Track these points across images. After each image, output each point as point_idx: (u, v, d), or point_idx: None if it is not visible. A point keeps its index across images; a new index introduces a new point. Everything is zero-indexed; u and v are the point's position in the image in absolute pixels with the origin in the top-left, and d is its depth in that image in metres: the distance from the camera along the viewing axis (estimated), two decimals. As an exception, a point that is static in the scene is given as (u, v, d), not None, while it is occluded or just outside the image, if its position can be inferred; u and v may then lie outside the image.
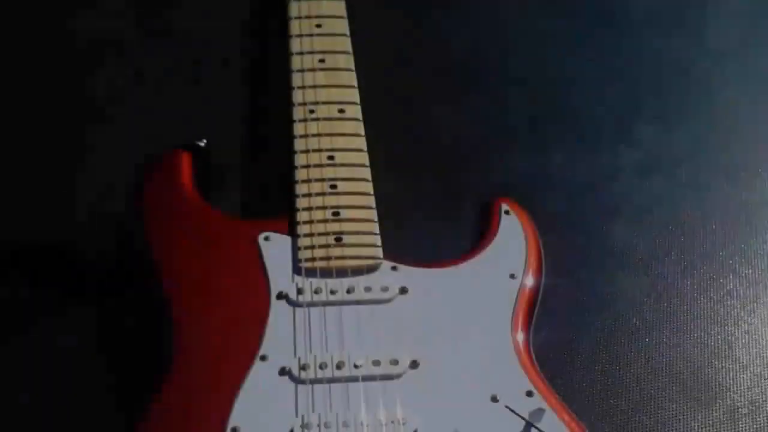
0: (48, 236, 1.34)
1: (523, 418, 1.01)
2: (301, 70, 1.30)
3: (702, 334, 1.30)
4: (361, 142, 1.26)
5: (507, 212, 1.23)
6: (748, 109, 1.60)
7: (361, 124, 1.27)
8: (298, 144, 1.25)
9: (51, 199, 1.40)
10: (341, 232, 1.16)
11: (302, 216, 1.18)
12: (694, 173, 1.51)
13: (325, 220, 1.17)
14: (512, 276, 1.16)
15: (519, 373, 1.06)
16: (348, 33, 1.34)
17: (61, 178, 1.43)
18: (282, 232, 1.17)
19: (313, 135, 1.25)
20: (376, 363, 1.05)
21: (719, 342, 1.29)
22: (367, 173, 1.23)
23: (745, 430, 1.20)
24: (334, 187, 1.21)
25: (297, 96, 1.29)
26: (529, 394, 1.04)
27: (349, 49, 1.33)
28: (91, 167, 1.44)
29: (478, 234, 1.22)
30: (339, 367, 1.04)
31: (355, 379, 1.04)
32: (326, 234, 1.16)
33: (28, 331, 1.25)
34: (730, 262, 1.39)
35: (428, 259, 1.18)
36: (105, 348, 1.23)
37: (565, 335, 1.28)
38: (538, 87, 1.60)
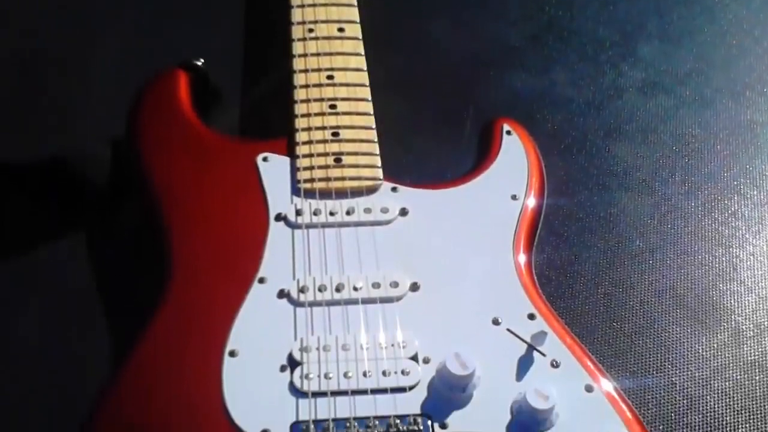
0: (45, 156, 1.32)
1: (524, 341, 0.99)
2: (300, -12, 1.27)
3: (706, 256, 1.28)
4: (361, 62, 1.24)
5: (509, 132, 1.21)
6: (754, 26, 1.58)
7: (361, 43, 1.25)
8: (297, 63, 1.23)
9: (48, 119, 1.39)
10: (341, 153, 1.15)
11: (301, 137, 1.16)
12: (698, 92, 1.50)
13: (324, 141, 1.16)
14: (514, 197, 1.14)
15: (521, 295, 1.05)
16: (347, -50, 1.31)
17: (58, 99, 1.41)
18: (280, 153, 1.16)
19: (312, 54, 1.24)
20: (376, 285, 1.04)
21: (724, 264, 1.28)
22: (366, 93, 1.21)
23: (750, 353, 1.18)
24: (333, 107, 1.19)
25: (296, 15, 1.27)
26: (531, 317, 1.03)
27: (348, -34, 1.30)
28: (88, 88, 1.43)
29: (480, 154, 1.21)
30: (338, 289, 1.03)
31: (354, 302, 1.02)
32: (325, 155, 1.15)
33: (27, 252, 1.24)
34: (735, 183, 1.38)
35: (429, 181, 1.17)
36: (101, 271, 1.22)
37: (567, 257, 1.27)
38: (540, 4, 1.58)
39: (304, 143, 1.16)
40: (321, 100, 1.19)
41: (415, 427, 0.91)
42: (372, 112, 1.19)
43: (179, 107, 1.22)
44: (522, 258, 1.08)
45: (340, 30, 1.25)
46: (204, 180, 1.14)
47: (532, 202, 1.14)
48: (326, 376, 0.95)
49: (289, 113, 1.19)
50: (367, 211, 1.10)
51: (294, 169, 1.14)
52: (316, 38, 1.25)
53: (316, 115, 1.18)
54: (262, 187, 1.13)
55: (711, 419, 1.11)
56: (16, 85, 1.43)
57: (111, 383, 0.96)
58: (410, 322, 1.01)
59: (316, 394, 0.94)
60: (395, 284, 1.04)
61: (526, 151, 1.19)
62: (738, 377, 1.15)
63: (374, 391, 0.95)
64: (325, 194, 1.11)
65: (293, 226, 1.09)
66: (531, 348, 0.99)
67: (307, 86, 1.21)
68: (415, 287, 1.04)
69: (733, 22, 1.58)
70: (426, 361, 0.97)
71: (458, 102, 1.45)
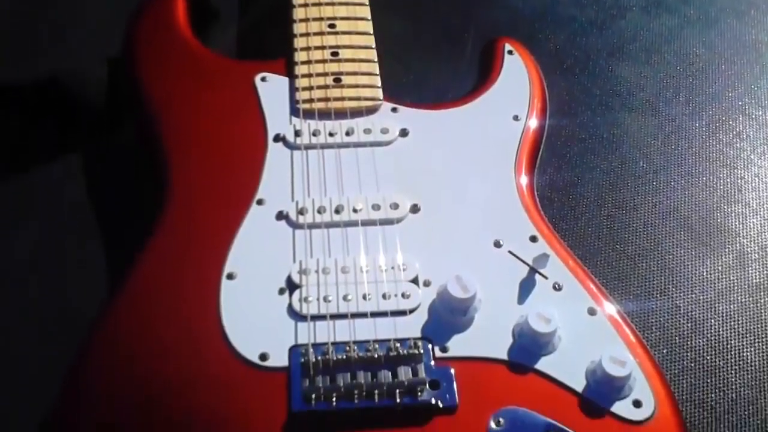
0: (42, 76, 1.29)
1: (526, 264, 0.98)
2: None
3: (711, 177, 1.27)
4: (360, -21, 1.22)
5: (510, 52, 1.19)
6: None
7: None
8: (296, -19, 1.21)
9: (45, 39, 1.36)
10: (340, 73, 1.13)
11: (300, 56, 1.15)
12: (702, 11, 1.48)
13: (323, 61, 1.14)
14: (516, 118, 1.12)
15: (523, 217, 1.03)
16: None
17: (55, 19, 1.38)
18: (279, 73, 1.15)
19: None
20: (376, 207, 1.02)
21: (728, 185, 1.26)
22: (366, 12, 1.20)
23: (755, 275, 1.17)
24: (332, 26, 1.18)
25: (294, -68, 1.24)
26: (533, 239, 1.01)
27: None
28: (85, 7, 1.40)
29: (481, 75, 1.19)
30: (338, 211, 1.01)
31: (354, 224, 1.01)
32: (325, 75, 1.13)
33: (23, 172, 1.22)
34: (740, 103, 1.36)
35: (429, 101, 1.15)
36: (97, 192, 1.20)
37: (569, 179, 1.25)
38: None
39: (303, 63, 1.14)
40: (320, 19, 1.18)
41: (416, 351, 0.90)
42: (372, 32, 1.17)
43: (177, 28, 1.20)
44: (524, 179, 1.06)
45: (339, -52, 1.23)
46: (202, 101, 1.13)
47: (533, 122, 1.12)
48: (325, 299, 0.94)
49: (287, 33, 1.17)
50: (367, 131, 1.09)
51: (293, 90, 1.12)
52: (315, -45, 1.23)
53: (315, 34, 1.16)
54: (260, 107, 1.11)
55: (715, 342, 1.10)
56: (13, 5, 1.40)
57: (108, 307, 0.95)
58: (410, 244, 0.99)
59: (315, 318, 0.93)
60: (395, 206, 1.02)
61: (527, 71, 1.18)
62: (743, 300, 1.14)
63: (374, 315, 0.93)
64: (324, 115, 1.10)
65: (292, 147, 1.07)
66: (533, 271, 0.97)
67: (305, 5, 1.19)
68: (415, 209, 1.03)
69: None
70: (426, 284, 0.96)
71: (459, 22, 1.43)
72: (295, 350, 0.90)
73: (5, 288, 1.11)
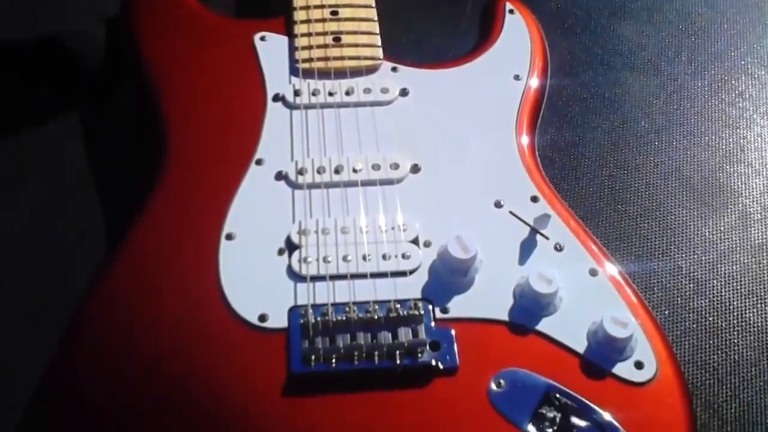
0: (39, 37, 1.27)
1: (527, 224, 0.97)
2: None
3: (713, 137, 1.26)
4: (361, -63, 1.21)
5: (511, 11, 1.18)
6: None
7: None
8: (295, -59, 1.20)
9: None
10: (340, 32, 1.13)
11: (299, 15, 1.14)
12: None
13: (323, 20, 1.13)
14: (517, 77, 1.11)
15: (524, 177, 1.02)
16: None
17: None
18: (278, 33, 1.14)
19: None
20: (376, 167, 1.01)
21: (731, 145, 1.25)
22: None
23: (757, 236, 1.16)
24: None
25: None
26: (534, 199, 1.00)
27: None
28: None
29: (482, 34, 1.18)
30: (337, 171, 1.00)
31: (354, 184, 1.00)
32: (324, 34, 1.12)
33: (19, 134, 1.21)
34: (743, 62, 1.35)
35: (430, 61, 1.14)
36: (95, 154, 1.19)
37: (571, 138, 1.24)
38: None
39: (303, 22, 1.13)
40: (320, -22, 1.17)
41: (416, 312, 0.89)
42: (371, -10, 1.16)
43: (175, -14, 1.18)
44: (525, 139, 1.06)
45: None
46: (200, 60, 1.12)
47: (535, 82, 1.11)
48: (325, 260, 0.93)
49: (287, -9, 1.16)
50: (367, 91, 1.08)
51: (292, 49, 1.12)
52: None
53: (314, -8, 1.16)
54: (259, 67, 1.10)
55: (718, 303, 1.10)
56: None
57: (106, 268, 0.94)
58: (411, 204, 0.99)
59: (315, 278, 0.92)
60: (395, 166, 1.01)
61: (528, 30, 1.17)
62: (745, 261, 1.13)
63: (374, 275, 0.93)
64: (323, 74, 1.09)
65: (291, 106, 1.07)
66: (534, 231, 0.97)
67: (305, -37, 1.18)
68: (415, 169, 1.02)
69: None
70: (427, 244, 0.95)
71: (460, -20, 1.42)
72: (294, 311, 0.90)
73: (4, 247, 1.10)
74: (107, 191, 1.14)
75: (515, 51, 1.14)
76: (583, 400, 0.85)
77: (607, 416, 0.84)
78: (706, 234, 1.15)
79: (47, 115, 1.22)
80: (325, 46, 1.10)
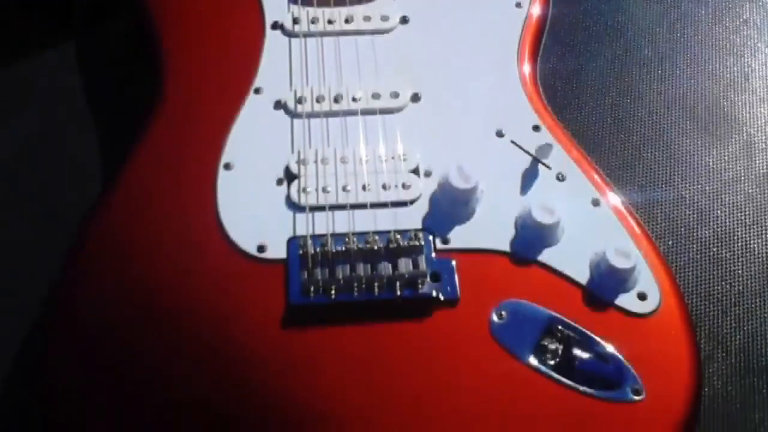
0: None
1: (529, 154, 0.95)
2: None
3: (717, 65, 1.23)
4: None
5: None
6: None
7: None
8: None
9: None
10: None
11: None
12: None
13: None
14: (518, 5, 1.09)
15: (525, 106, 1.00)
16: None
17: None
18: None
19: None
20: (376, 96, 0.99)
21: (735, 73, 1.23)
22: None
23: (762, 165, 1.14)
24: None
25: None
26: (536, 128, 0.98)
27: None
28: None
29: None
30: (337, 100, 0.99)
31: (353, 113, 0.98)
32: None
33: (15, 62, 1.20)
34: None
35: None
36: (92, 83, 1.17)
37: (573, 67, 1.22)
38: None
39: None
40: None
41: (416, 242, 0.88)
42: None
43: None
44: (526, 68, 1.04)
45: None
46: None
47: (536, 9, 1.09)
48: (324, 190, 0.92)
49: None
50: (367, 19, 1.06)
51: None
52: None
53: None
54: None
55: (722, 233, 1.08)
56: None
57: (104, 198, 0.93)
58: (411, 133, 0.97)
59: (314, 208, 0.91)
60: (395, 95, 0.99)
61: None
62: (749, 190, 1.12)
63: (374, 205, 0.91)
64: (322, 2, 1.07)
65: (290, 34, 1.05)
66: (536, 161, 0.95)
67: None
68: (416, 98, 1.00)
69: None
70: (427, 174, 0.94)
71: None
72: (293, 242, 0.88)
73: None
74: (104, 119, 1.13)
75: (517, -22, 1.12)
76: (586, 331, 0.84)
77: (610, 348, 0.84)
78: (710, 163, 1.13)
79: (43, 42, 1.20)
80: (325, -28, 1.08)
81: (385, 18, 1.06)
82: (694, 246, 1.07)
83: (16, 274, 1.00)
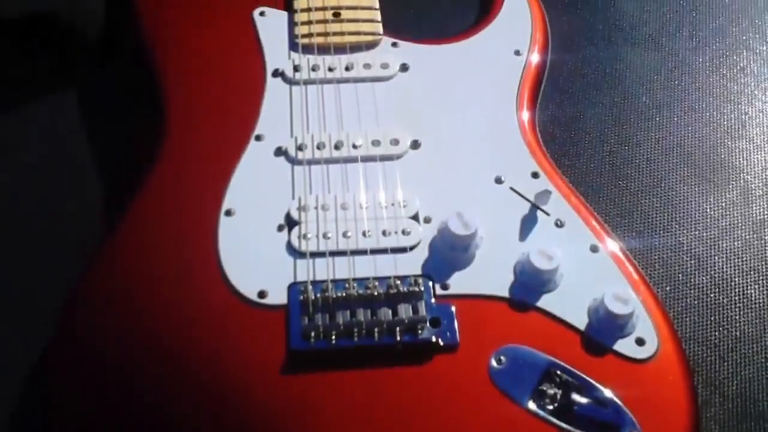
0: (37, 7, 1.28)
1: (528, 200, 0.97)
2: None
3: (714, 112, 1.25)
4: None
5: None
6: None
7: None
8: None
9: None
10: (339, 7, 1.12)
11: None
12: None
13: None
14: (517, 52, 1.11)
15: (524, 153, 1.02)
16: None
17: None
18: (278, 8, 1.14)
19: None
20: (376, 143, 1.01)
21: (732, 121, 1.24)
22: None
23: (759, 211, 1.15)
24: None
25: None
26: (535, 175, 1.00)
27: None
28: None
29: (482, 9, 1.18)
30: (337, 147, 1.00)
31: (353, 160, 1.00)
32: (324, 9, 1.12)
33: (16, 105, 1.21)
34: (744, 37, 1.34)
35: (430, 36, 1.14)
36: (93, 127, 1.18)
37: (572, 114, 1.23)
38: None
39: None
40: (320, -48, 1.16)
41: (416, 288, 0.89)
42: (371, -35, 1.16)
43: (175, -40, 1.18)
44: (525, 115, 1.05)
45: None
46: (200, 35, 1.11)
47: (535, 57, 1.11)
48: (325, 236, 0.93)
49: (286, -34, 1.15)
50: (367, 66, 1.07)
51: (292, 24, 1.11)
52: None
53: (314, -33, 1.15)
54: (259, 42, 1.10)
55: (719, 279, 1.09)
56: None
57: (107, 242, 0.94)
58: (411, 180, 0.98)
59: (315, 255, 0.92)
60: (395, 141, 1.01)
61: (529, 5, 1.16)
62: (746, 237, 1.13)
63: (374, 252, 0.92)
64: (323, 49, 1.08)
65: (291, 82, 1.06)
66: (535, 207, 0.96)
67: (305, -62, 1.17)
68: (416, 145, 1.01)
69: None
70: (427, 220, 0.95)
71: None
72: (294, 288, 0.89)
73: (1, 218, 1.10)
74: (105, 162, 1.14)
75: (516, 26, 1.13)
76: (584, 376, 0.85)
77: (608, 393, 0.84)
78: (708, 210, 1.14)
79: (44, 85, 1.21)
80: (325, 21, 1.10)
81: (385, 65, 1.07)
82: (692, 292, 1.07)
83: (19, 304, 1.02)
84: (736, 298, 1.07)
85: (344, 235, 0.93)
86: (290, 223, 0.94)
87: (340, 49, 1.08)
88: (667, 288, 1.07)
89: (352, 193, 0.96)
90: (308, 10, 1.11)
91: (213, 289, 0.89)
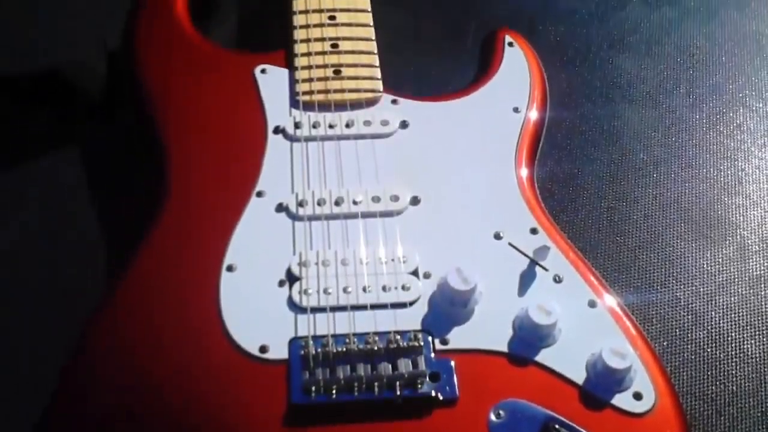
0: (38, 65, 1.29)
1: (527, 256, 0.97)
2: None
3: (711, 169, 1.26)
4: (361, -28, 1.22)
5: (510, 44, 1.19)
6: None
7: None
8: (296, -26, 1.21)
9: (42, 27, 1.35)
10: (340, 65, 1.13)
11: (300, 48, 1.14)
12: (703, 3, 1.48)
13: (323, 53, 1.14)
14: (516, 110, 1.12)
15: (523, 209, 1.03)
16: None
17: (53, 7, 1.38)
18: (279, 65, 1.14)
19: None
20: (376, 199, 1.02)
21: (729, 177, 1.26)
22: (366, 3, 1.19)
23: (756, 268, 1.16)
24: (332, 18, 1.17)
25: (294, -77, 1.24)
26: (534, 231, 1.00)
27: None
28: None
29: (481, 67, 1.19)
30: (338, 203, 1.01)
31: (354, 216, 1.00)
32: (324, 66, 1.13)
33: (16, 164, 1.22)
34: (741, 95, 1.36)
35: (430, 93, 1.15)
36: (94, 186, 1.20)
37: (570, 171, 1.25)
38: None
39: (303, 55, 1.13)
40: (320, 11, 1.17)
41: (416, 343, 0.90)
42: (372, 24, 1.17)
43: (177, 19, 1.19)
44: (524, 171, 1.06)
45: (340, -60, 1.23)
46: (202, 92, 1.12)
47: (534, 114, 1.12)
48: (325, 291, 0.94)
49: (287, 25, 1.17)
50: (367, 123, 1.08)
51: (292, 81, 1.12)
52: (315, -51, 1.23)
53: (315, 26, 1.16)
54: (260, 99, 1.11)
55: (716, 335, 1.10)
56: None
57: (108, 297, 0.95)
58: (411, 236, 0.99)
59: (315, 310, 0.93)
60: (395, 198, 1.02)
61: (528, 62, 1.17)
62: (743, 292, 1.14)
63: (374, 307, 0.93)
64: (324, 107, 1.09)
65: (292, 138, 1.07)
66: (533, 263, 0.97)
67: (305, -4, 1.19)
68: (415, 201, 1.02)
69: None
70: (427, 276, 0.96)
71: (460, 14, 1.43)
72: (295, 342, 0.90)
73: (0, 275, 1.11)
74: (106, 218, 1.15)
75: (514, 83, 1.14)
76: (583, 430, 0.85)
77: (606, 447, 0.85)
78: (705, 265, 1.16)
79: (45, 144, 1.22)
80: (326, 78, 1.11)
81: (385, 122, 1.08)
82: (689, 347, 1.08)
83: (20, 373, 1.02)
84: (733, 352, 1.08)
85: (345, 290, 0.94)
86: (291, 278, 0.95)
87: (340, 106, 1.09)
88: (665, 343, 1.09)
89: (353, 249, 0.97)
90: (309, 67, 1.12)
91: (215, 344, 0.90)
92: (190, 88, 1.12)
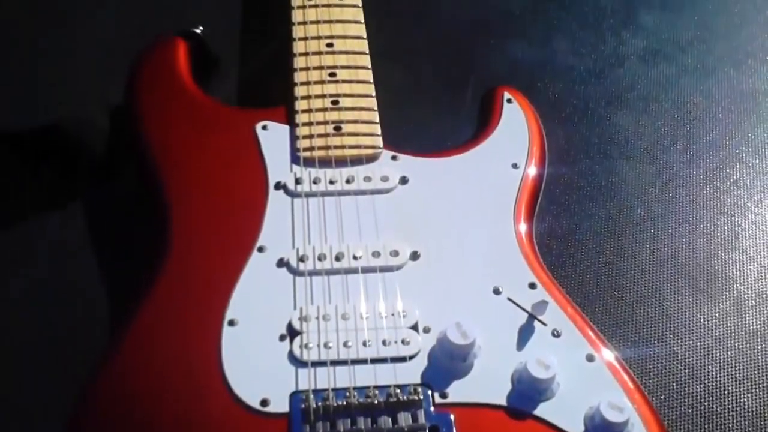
0: (41, 123, 1.31)
1: (525, 311, 0.98)
2: (300, -44, 1.26)
3: (708, 224, 1.27)
4: (361, 30, 1.24)
5: (509, 101, 1.20)
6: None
7: (361, 11, 1.25)
8: (297, 31, 1.23)
9: (45, 85, 1.37)
10: (340, 121, 1.14)
11: (301, 105, 1.16)
12: (700, 60, 1.49)
13: (324, 109, 1.15)
14: (514, 166, 1.13)
15: (521, 264, 1.04)
16: None
17: (55, 65, 1.40)
18: (280, 122, 1.15)
19: (312, 22, 1.23)
20: (376, 254, 1.03)
21: (726, 233, 1.27)
22: (366, 61, 1.20)
23: (752, 322, 1.17)
24: (333, 75, 1.19)
25: (295, -18, 1.26)
26: (532, 286, 1.02)
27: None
28: (87, 54, 1.41)
29: (480, 123, 1.20)
30: (338, 258, 1.02)
31: (354, 271, 1.01)
32: (325, 123, 1.14)
33: (20, 221, 1.23)
34: (737, 151, 1.37)
35: (429, 149, 1.16)
36: (97, 237, 1.21)
37: (568, 226, 1.26)
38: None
39: (304, 111, 1.15)
40: (321, 68, 1.19)
41: (416, 397, 0.90)
42: (372, 80, 1.18)
43: (178, 76, 1.21)
44: (523, 227, 1.07)
45: (340, -3, 1.24)
46: (203, 148, 1.13)
47: (532, 170, 1.13)
48: (326, 346, 0.95)
49: (288, 81, 1.18)
50: (367, 179, 1.09)
51: (293, 138, 1.13)
52: (316, 5, 1.25)
53: (315, 83, 1.17)
54: (261, 155, 1.12)
55: (713, 389, 1.11)
56: (13, 50, 1.41)
57: (110, 351, 0.96)
58: (410, 291, 1.00)
59: (316, 364, 0.93)
60: (395, 253, 1.03)
61: (526, 119, 1.18)
62: (740, 346, 1.14)
63: (374, 361, 0.94)
64: (324, 163, 1.10)
65: (293, 194, 1.08)
66: (532, 317, 0.98)
67: (306, 54, 1.20)
68: (415, 256, 1.03)
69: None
70: (426, 330, 0.97)
71: (459, 71, 1.45)
72: (295, 396, 0.91)
73: (5, 333, 1.11)
74: (109, 276, 1.16)
75: (513, 140, 1.15)
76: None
77: (604, 501, 0.85)
78: (702, 320, 1.17)
79: (47, 201, 1.23)
80: (326, 134, 1.12)
81: (385, 178, 1.09)
82: (686, 400, 1.09)
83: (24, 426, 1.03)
84: (730, 406, 1.09)
85: (345, 344, 0.94)
86: (292, 332, 0.96)
87: (341, 162, 1.10)
88: (662, 396, 1.09)
89: (353, 304, 0.98)
90: (310, 123, 1.13)
91: (216, 397, 0.91)
92: (192, 144, 1.13)
